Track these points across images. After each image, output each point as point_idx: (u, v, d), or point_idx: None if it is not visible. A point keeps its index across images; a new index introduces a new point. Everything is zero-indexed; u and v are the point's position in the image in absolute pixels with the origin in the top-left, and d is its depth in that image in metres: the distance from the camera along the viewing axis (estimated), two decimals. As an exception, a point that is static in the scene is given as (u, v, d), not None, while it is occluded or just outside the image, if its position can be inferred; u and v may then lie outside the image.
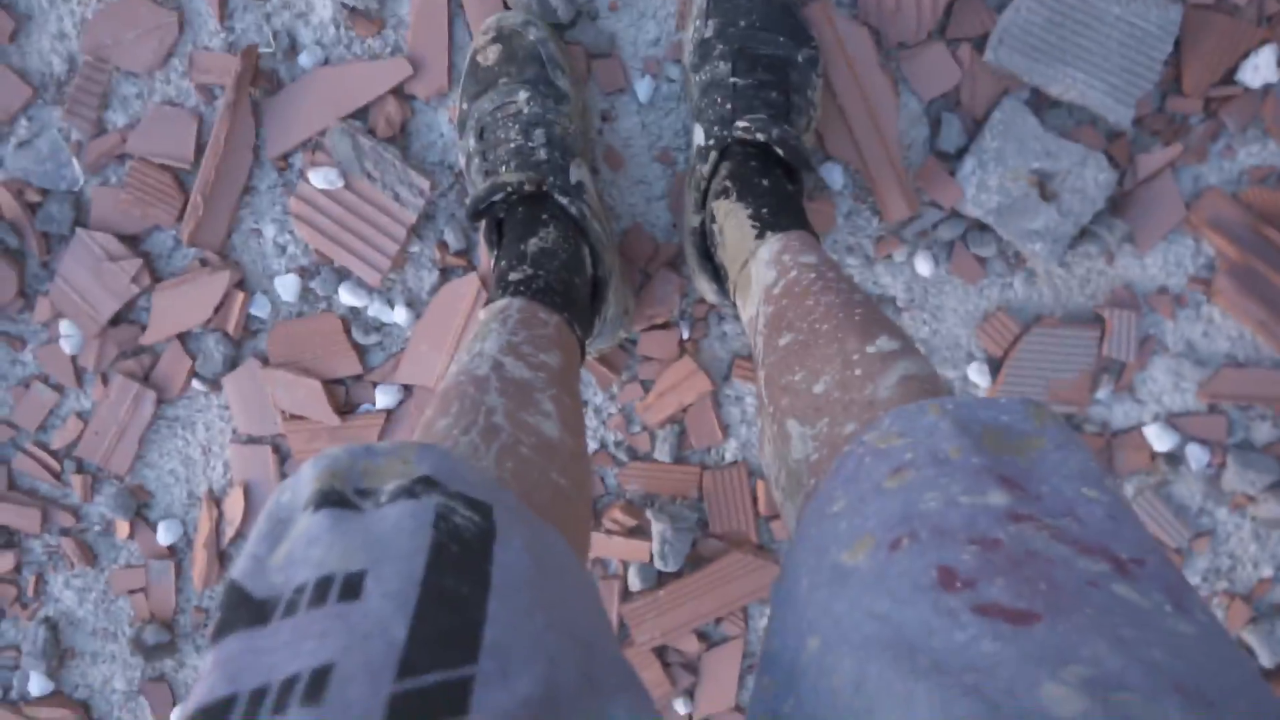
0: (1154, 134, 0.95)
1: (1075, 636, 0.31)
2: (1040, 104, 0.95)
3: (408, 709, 0.31)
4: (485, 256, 1.00)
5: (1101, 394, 1.03)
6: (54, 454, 1.11)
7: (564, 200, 0.83)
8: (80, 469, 1.11)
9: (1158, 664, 0.29)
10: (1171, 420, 1.04)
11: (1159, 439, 1.03)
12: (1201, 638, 0.32)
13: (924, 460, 0.43)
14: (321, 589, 0.36)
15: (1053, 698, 0.28)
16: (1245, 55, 0.92)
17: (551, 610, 0.40)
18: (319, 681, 0.31)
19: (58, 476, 1.11)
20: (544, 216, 0.83)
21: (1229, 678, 0.30)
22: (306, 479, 0.42)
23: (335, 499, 0.40)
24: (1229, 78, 0.94)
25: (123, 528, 1.12)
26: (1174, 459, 1.05)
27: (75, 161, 1.00)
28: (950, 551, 0.36)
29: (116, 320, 1.05)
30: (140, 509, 1.13)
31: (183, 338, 1.05)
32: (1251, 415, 1.03)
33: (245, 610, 0.36)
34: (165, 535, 1.12)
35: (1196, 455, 1.04)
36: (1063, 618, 0.32)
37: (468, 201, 0.82)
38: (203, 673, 0.34)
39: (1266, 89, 0.93)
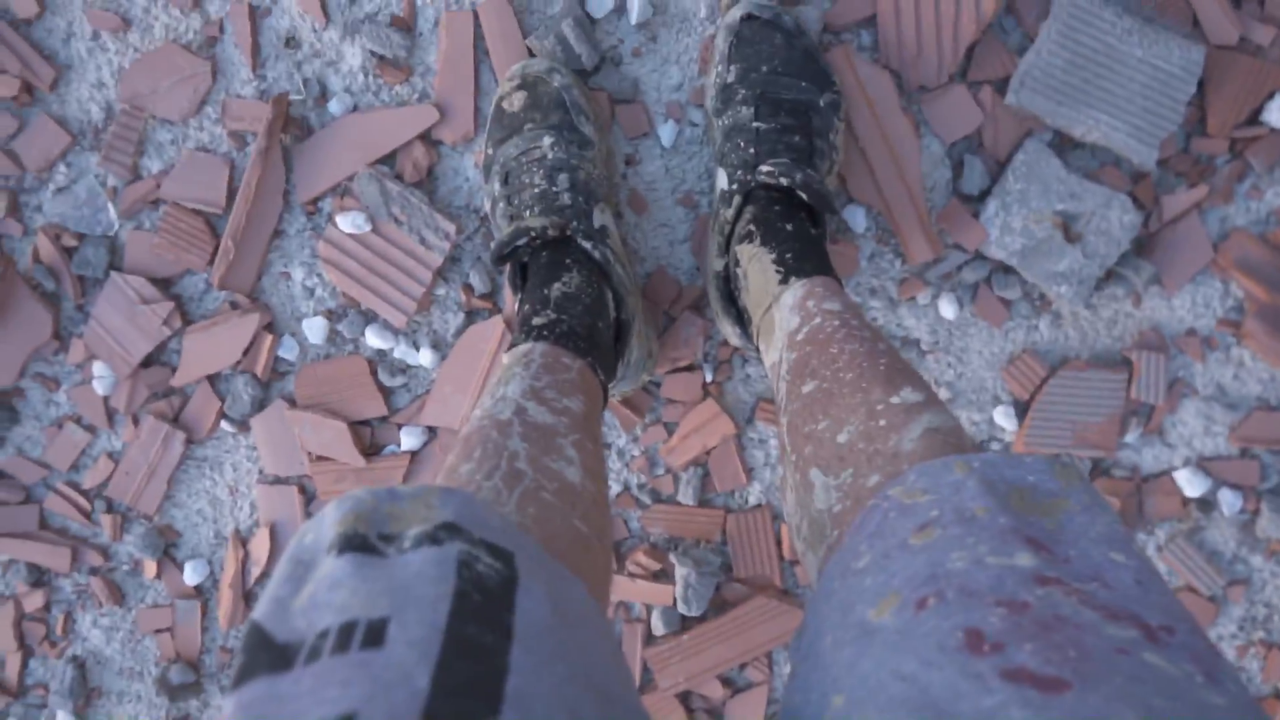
0: (1179, 175, 0.94)
1: (1105, 706, 0.29)
2: (1063, 146, 0.93)
3: None
4: (510, 299, 1.00)
5: (1130, 437, 1.00)
6: (85, 494, 1.11)
7: (587, 245, 0.83)
8: (110, 509, 1.11)
9: None
10: (1203, 464, 1.01)
11: (1190, 484, 1.00)
12: (1232, 709, 0.30)
13: (950, 518, 0.42)
14: (345, 635, 0.35)
15: None
16: (1270, 95, 0.91)
17: (572, 660, 0.39)
18: None
19: (88, 516, 1.11)
20: (567, 261, 0.82)
21: None
22: (329, 521, 0.41)
23: (358, 543, 0.40)
24: (1254, 118, 0.92)
25: (150, 567, 1.12)
26: (1206, 504, 1.02)
27: (111, 207, 1.01)
28: (977, 613, 0.35)
29: (148, 362, 1.05)
30: (168, 549, 1.12)
31: (212, 379, 1.05)
32: (1285, 460, 1.00)
33: (268, 654, 0.36)
34: (192, 575, 1.11)
35: (1229, 500, 1.01)
36: (1092, 686, 0.30)
37: (492, 246, 0.82)
38: (225, 718, 0.34)
39: (1293, 130, 0.92)
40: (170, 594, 1.13)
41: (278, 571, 0.40)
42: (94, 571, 1.13)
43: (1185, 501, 1.02)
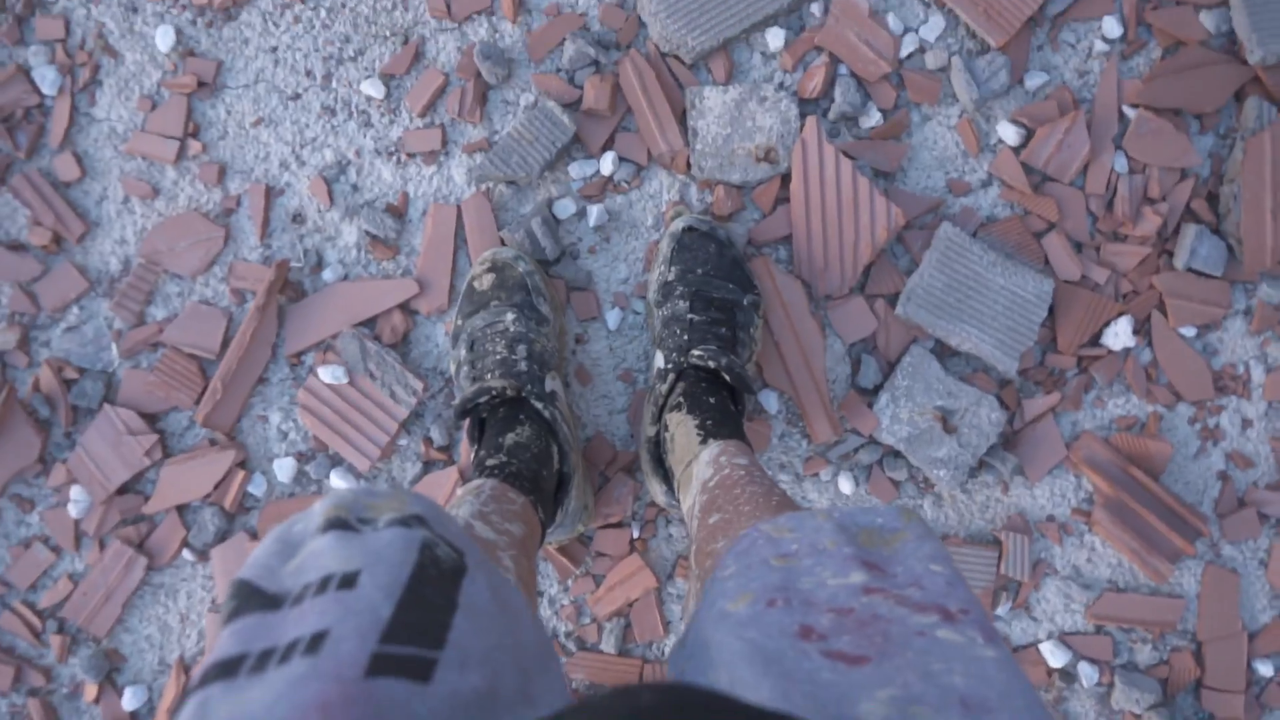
0: (1037, 383, 1.10)
1: (894, 672, 0.40)
2: (943, 352, 1.10)
3: (385, 666, 0.38)
4: (465, 452, 1.10)
5: (1002, 610, 1.12)
6: (39, 613, 1.14)
7: (539, 405, 0.94)
8: (61, 629, 1.14)
9: (953, 686, 0.39)
10: (1064, 638, 1.12)
11: (1053, 655, 1.11)
12: (999, 661, 0.41)
13: (806, 551, 0.53)
14: (324, 583, 0.43)
15: (866, 709, 0.38)
16: (1107, 323, 1.09)
17: (502, 639, 0.47)
18: (317, 641, 0.39)
19: (37, 636, 1.14)
20: (521, 417, 0.94)
21: (1011, 687, 0.39)
22: (317, 514, 0.49)
23: (339, 524, 0.48)
24: (1096, 341, 1.10)
25: (90, 690, 1.14)
26: (1069, 675, 1.12)
27: (114, 346, 1.11)
28: (813, 616, 0.46)
29: (124, 489, 1.12)
30: (111, 673, 1.15)
31: (181, 509, 1.12)
32: (1134, 638, 1.12)
33: (258, 600, 0.43)
34: (130, 700, 1.14)
35: (1087, 673, 1.12)
36: (888, 660, 0.41)
37: (456, 402, 0.93)
38: (218, 641, 0.41)
39: (1126, 352, 1.09)
40: (105, 719, 1.15)
41: (265, 547, 0.48)
42: (33, 693, 1.15)
43: (1050, 672, 1.13)
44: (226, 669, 0.39)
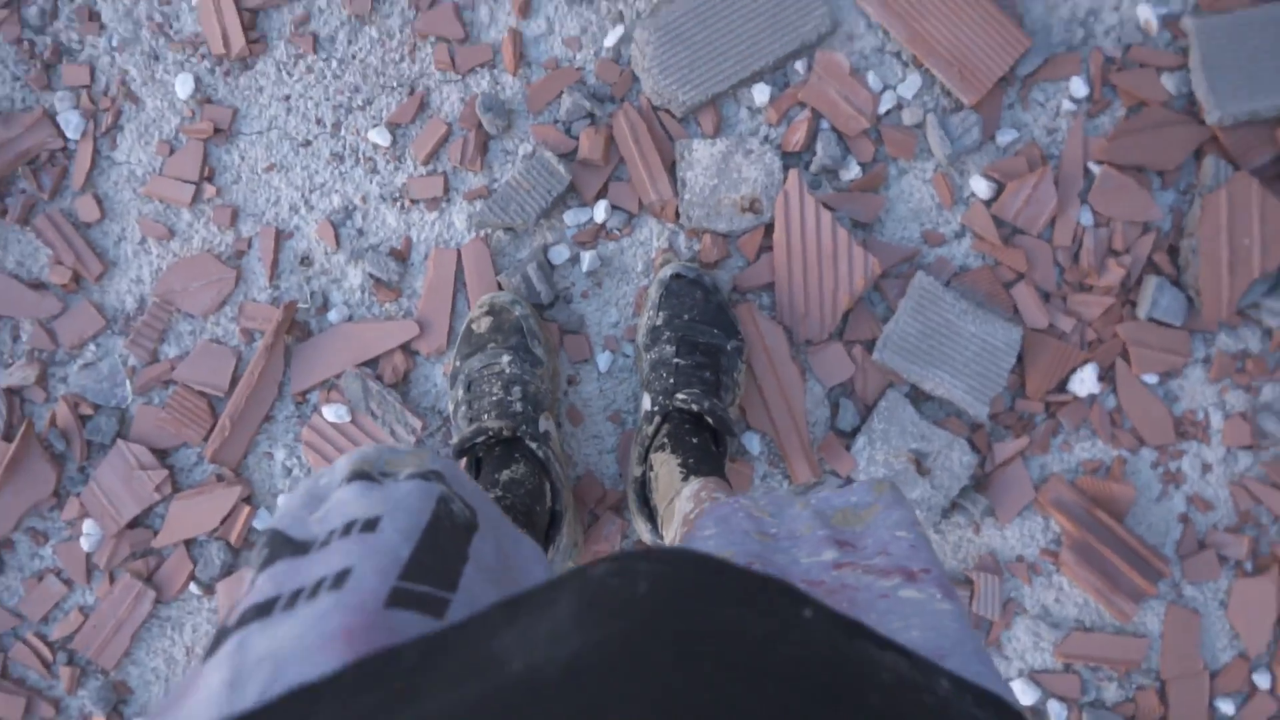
0: (1006, 427, 1.14)
1: None
2: (917, 396, 1.14)
3: (403, 600, 0.42)
4: (460, 487, 1.14)
5: (975, 645, 1.14)
6: (50, 645, 1.17)
7: (533, 445, 0.98)
8: (71, 661, 1.17)
9: (910, 640, 0.43)
10: (1034, 676, 1.15)
11: (1023, 694, 1.14)
12: (954, 613, 0.45)
13: (784, 535, 0.57)
14: (348, 527, 0.46)
15: None
16: (1073, 370, 1.13)
17: (504, 595, 0.50)
18: (341, 577, 0.42)
19: (48, 667, 1.16)
20: (515, 455, 0.97)
21: (963, 636, 0.43)
22: (341, 468, 0.53)
23: (362, 476, 0.51)
24: (1062, 387, 1.14)
25: (96, 720, 1.16)
26: (1038, 713, 1.15)
27: (128, 383, 1.15)
28: None
29: (134, 523, 1.15)
30: (118, 704, 1.17)
31: (189, 543, 1.15)
32: (1100, 676, 1.15)
33: (289, 547, 0.46)
34: (134, 727, 1.16)
35: (1056, 711, 1.14)
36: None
37: (453, 441, 0.96)
38: (253, 587, 0.44)
39: (1091, 398, 1.13)
40: (108, 745, 1.17)
41: (295, 499, 0.51)
42: None
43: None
44: (262, 610, 0.42)
